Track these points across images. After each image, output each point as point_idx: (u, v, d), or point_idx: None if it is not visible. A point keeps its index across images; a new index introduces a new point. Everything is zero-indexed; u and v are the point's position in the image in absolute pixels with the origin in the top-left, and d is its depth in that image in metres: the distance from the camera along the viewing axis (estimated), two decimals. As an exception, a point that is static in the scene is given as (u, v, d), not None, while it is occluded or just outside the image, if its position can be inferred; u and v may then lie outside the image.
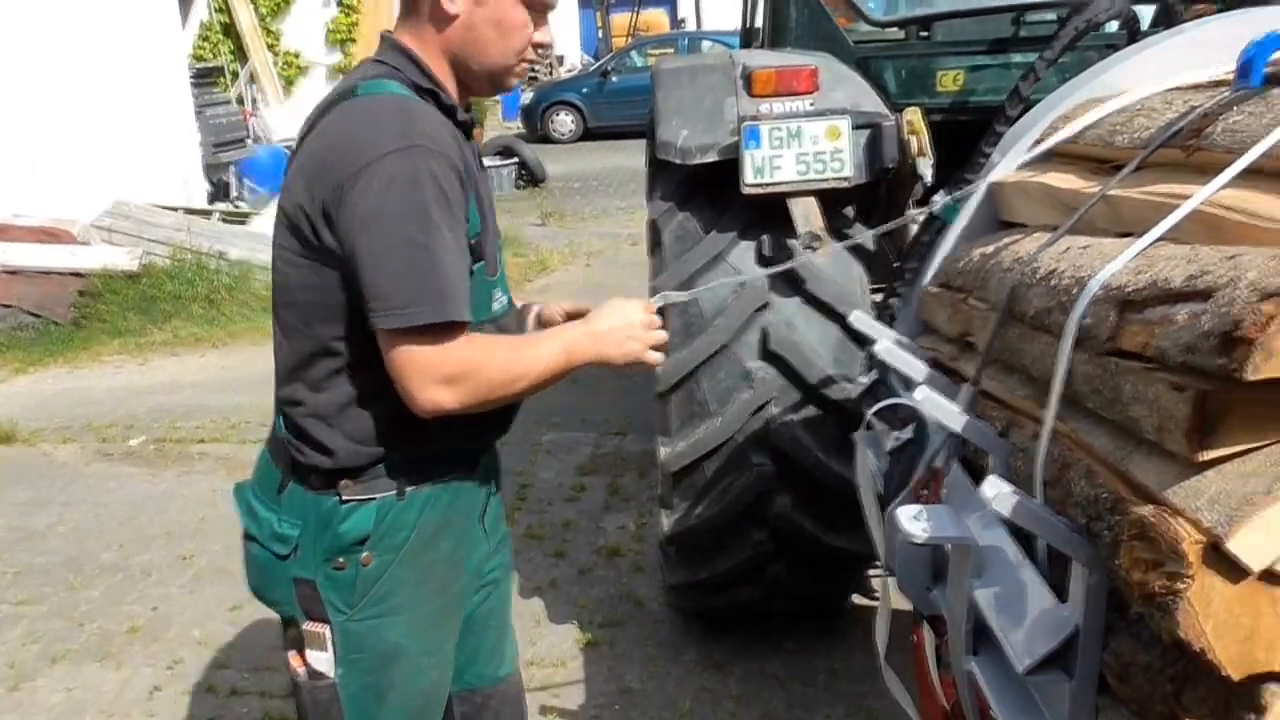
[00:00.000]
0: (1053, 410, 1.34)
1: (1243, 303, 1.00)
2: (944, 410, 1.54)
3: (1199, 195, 1.28)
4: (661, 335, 1.80)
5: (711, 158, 2.98)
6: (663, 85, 3.18)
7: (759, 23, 4.04)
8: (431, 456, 1.72)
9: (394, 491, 1.69)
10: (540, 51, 1.71)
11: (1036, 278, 1.52)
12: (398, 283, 1.50)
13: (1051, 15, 3.20)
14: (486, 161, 14.09)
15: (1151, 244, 1.31)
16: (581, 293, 8.23)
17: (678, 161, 3.01)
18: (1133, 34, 2.78)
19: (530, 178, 13.91)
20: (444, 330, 1.52)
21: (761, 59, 3.13)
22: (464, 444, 1.77)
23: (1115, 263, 1.31)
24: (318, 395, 1.67)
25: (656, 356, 1.80)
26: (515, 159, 13.93)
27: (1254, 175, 1.28)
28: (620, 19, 20.83)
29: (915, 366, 1.84)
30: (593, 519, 4.58)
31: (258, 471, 1.82)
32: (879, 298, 2.98)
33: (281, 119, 12.67)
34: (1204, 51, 1.95)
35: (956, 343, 1.90)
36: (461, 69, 1.68)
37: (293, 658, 1.79)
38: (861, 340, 2.69)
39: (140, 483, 5.26)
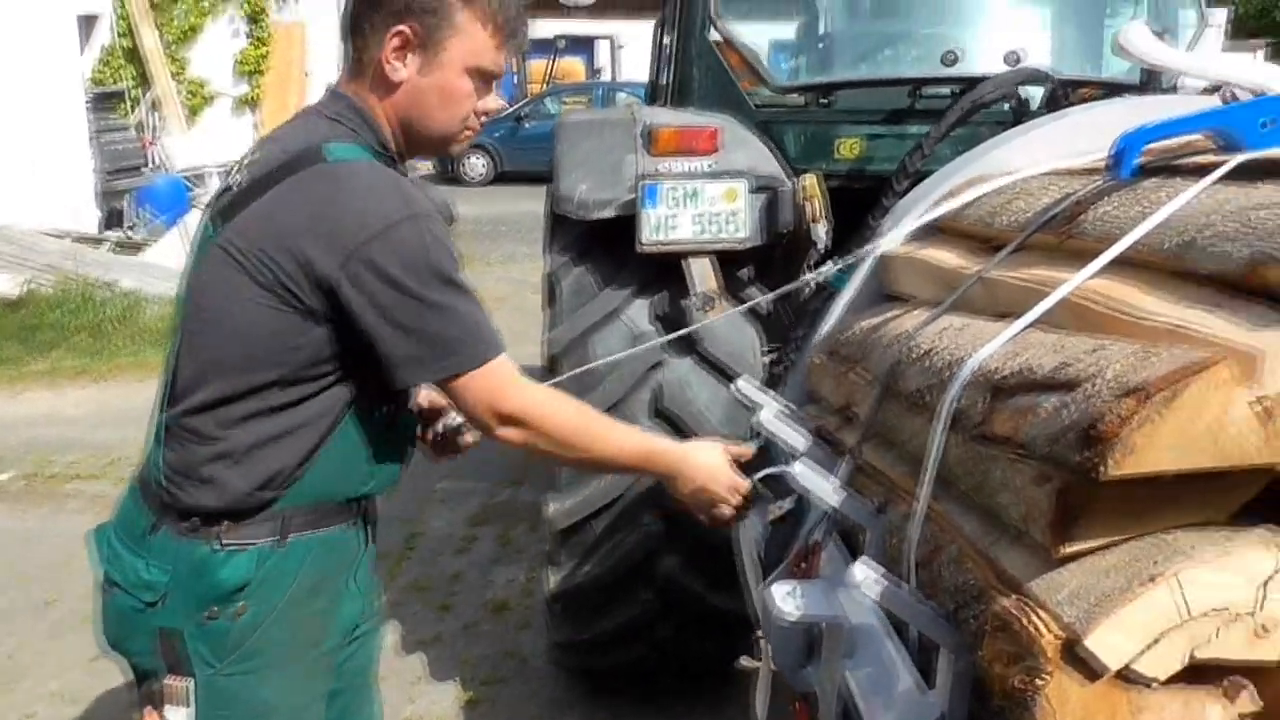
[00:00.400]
0: (925, 492, 1.33)
1: (1103, 398, 1.00)
2: (820, 486, 1.53)
3: (1068, 284, 1.30)
4: (727, 513, 1.80)
5: (610, 213, 2.97)
6: (564, 138, 3.17)
7: (665, 79, 4.06)
8: (318, 504, 1.68)
9: (274, 538, 1.64)
10: (484, 118, 1.72)
11: (915, 355, 1.53)
12: (431, 342, 1.56)
13: (947, 90, 3.27)
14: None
15: (1023, 329, 1.32)
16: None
17: (576, 216, 3.00)
18: (1019, 115, 2.86)
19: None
20: (488, 372, 1.59)
21: (663, 117, 3.14)
22: (353, 491, 1.73)
23: (989, 346, 1.32)
24: (231, 432, 1.62)
25: (705, 519, 1.82)
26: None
27: (1123, 265, 1.30)
28: (538, 65, 20.94)
29: (796, 437, 1.83)
30: (482, 571, 4.48)
31: (121, 513, 1.75)
32: (772, 359, 2.99)
33: (184, 148, 12.37)
34: (1087, 136, 2.00)
35: (840, 413, 1.90)
36: (407, 132, 1.69)
37: (147, 715, 1.69)
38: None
39: (4, 521, 4.99)
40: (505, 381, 1.62)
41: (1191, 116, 1.43)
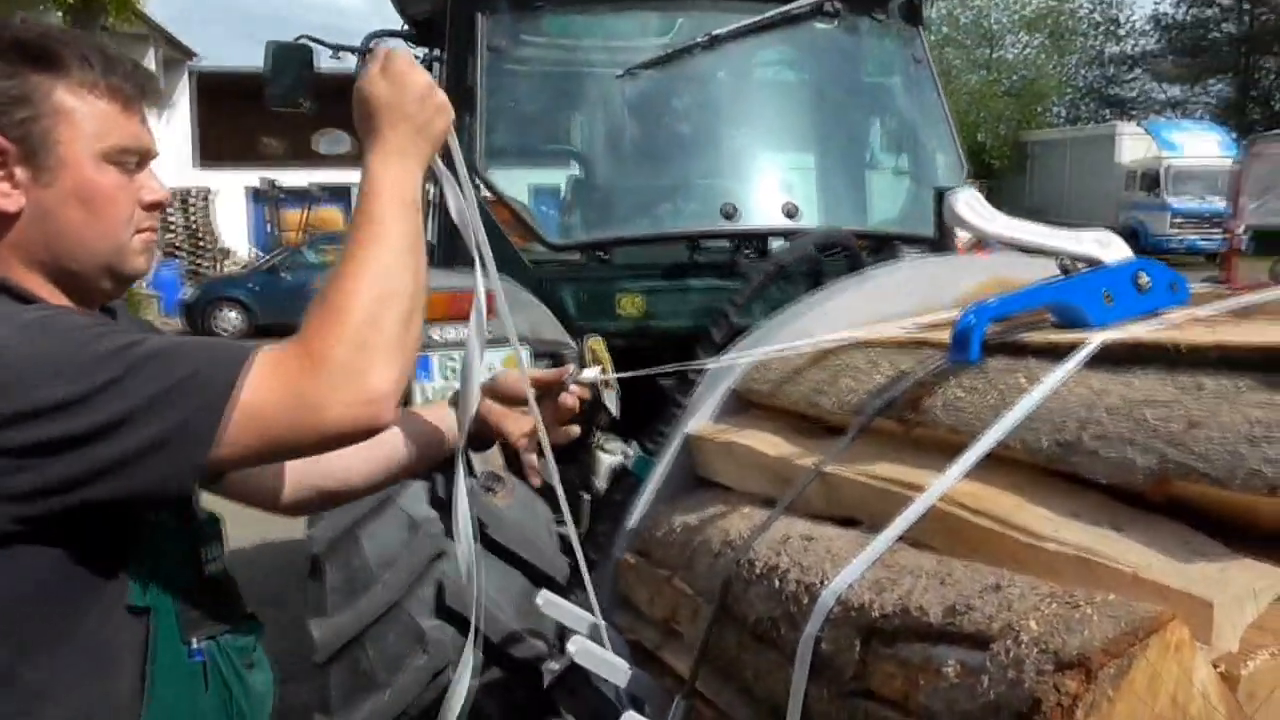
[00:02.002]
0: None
1: (1034, 671, 0.79)
2: (657, 748, 1.26)
3: (935, 489, 1.11)
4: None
5: (377, 388, 2.66)
6: (323, 306, 2.85)
7: (431, 236, 3.82)
8: None
9: None
10: (157, 212, 1.26)
11: (755, 573, 1.29)
12: (162, 403, 1.03)
13: (726, 243, 3.19)
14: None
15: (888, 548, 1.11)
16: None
17: (340, 392, 2.66)
18: (817, 277, 2.77)
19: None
20: (252, 378, 1.05)
21: (432, 279, 2.88)
22: None
23: (850, 570, 1.10)
24: None
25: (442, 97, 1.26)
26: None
27: (989, 463, 1.12)
28: (293, 214, 20.33)
29: (618, 669, 1.56)
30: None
31: None
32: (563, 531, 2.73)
33: None
34: (891, 300, 1.90)
35: (660, 627, 1.64)
36: (63, 276, 1.21)
37: None
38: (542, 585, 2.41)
39: None
40: (287, 358, 1.07)
41: (1034, 290, 1.30)
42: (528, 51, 3.30)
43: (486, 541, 2.70)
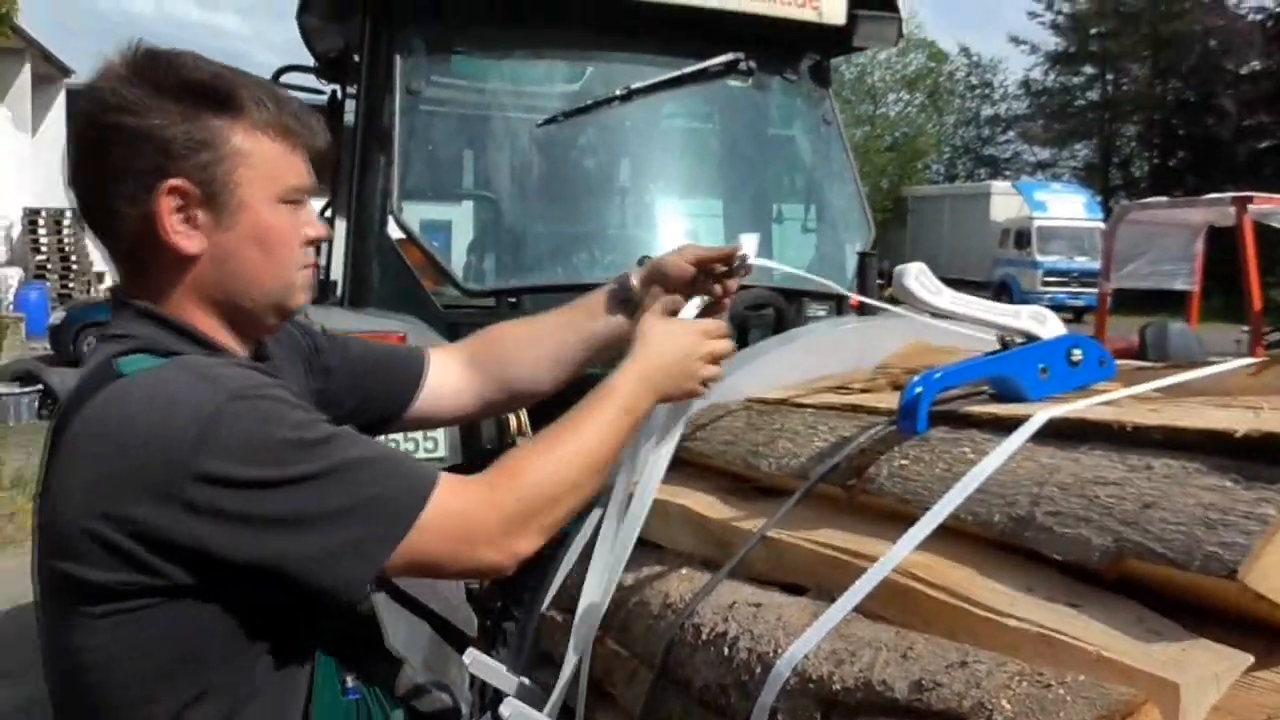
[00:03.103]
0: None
1: (1018, 754, 0.80)
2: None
3: (889, 559, 1.12)
4: (723, 346, 1.42)
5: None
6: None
7: (335, 275, 3.73)
8: None
9: None
10: (310, 250, 1.29)
11: (700, 639, 1.29)
12: (348, 517, 1.10)
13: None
14: (2, 389, 12.27)
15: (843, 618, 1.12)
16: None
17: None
18: (743, 334, 2.80)
19: (56, 406, 12.32)
20: (441, 506, 1.13)
21: (341, 320, 2.82)
22: None
23: (804, 640, 1.11)
24: None
25: (715, 371, 1.42)
26: (38, 385, 12.30)
27: (939, 534, 1.15)
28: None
29: (552, 734, 1.53)
30: None
31: None
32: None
33: None
34: (818, 360, 1.93)
35: (591, 688, 1.61)
36: (233, 313, 1.23)
37: None
38: (451, 638, 2.37)
39: None
40: (470, 497, 1.15)
41: (977, 362, 1.34)
42: (444, 94, 3.28)
43: (393, 592, 2.64)
